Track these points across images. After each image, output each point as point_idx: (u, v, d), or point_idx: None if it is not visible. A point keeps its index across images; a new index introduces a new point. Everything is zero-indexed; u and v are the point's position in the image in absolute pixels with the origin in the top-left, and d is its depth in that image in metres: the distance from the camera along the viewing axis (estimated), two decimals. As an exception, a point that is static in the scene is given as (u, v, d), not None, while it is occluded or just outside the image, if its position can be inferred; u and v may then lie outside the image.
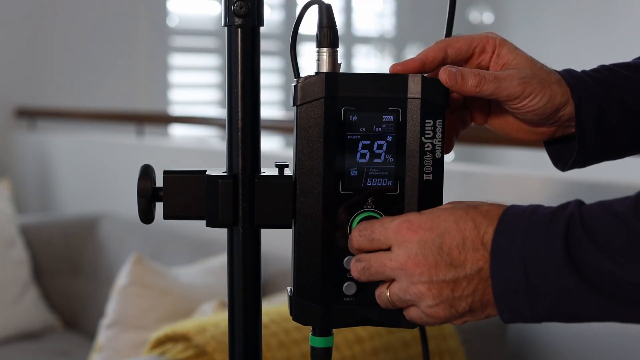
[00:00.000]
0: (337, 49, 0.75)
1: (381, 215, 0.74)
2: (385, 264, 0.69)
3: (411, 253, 0.67)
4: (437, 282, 0.67)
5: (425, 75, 0.75)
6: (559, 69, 0.81)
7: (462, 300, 0.67)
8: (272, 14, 4.96)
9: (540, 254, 0.63)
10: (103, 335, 2.17)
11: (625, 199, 0.63)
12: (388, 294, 0.70)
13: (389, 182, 0.74)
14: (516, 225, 0.65)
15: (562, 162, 0.85)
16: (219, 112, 4.29)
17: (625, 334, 1.79)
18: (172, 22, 4.60)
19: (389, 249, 0.69)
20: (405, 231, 0.68)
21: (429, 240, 0.67)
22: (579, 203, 0.65)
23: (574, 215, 0.63)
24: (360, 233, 0.71)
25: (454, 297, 0.67)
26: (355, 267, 0.71)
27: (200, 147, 3.29)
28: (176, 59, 4.65)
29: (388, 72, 0.75)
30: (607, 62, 0.84)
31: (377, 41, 5.57)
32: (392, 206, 0.74)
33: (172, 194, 0.75)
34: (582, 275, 0.62)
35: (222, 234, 0.78)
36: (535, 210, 0.66)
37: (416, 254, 0.67)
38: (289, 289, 0.77)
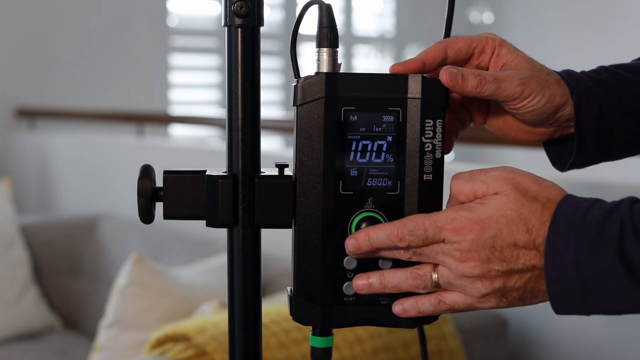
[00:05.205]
0: (337, 49, 0.75)
1: (381, 216, 0.74)
2: (437, 251, 0.70)
3: (464, 249, 0.68)
4: (490, 274, 0.68)
5: (425, 75, 0.75)
6: (559, 69, 0.81)
7: (514, 291, 0.69)
8: (272, 14, 4.96)
9: (594, 257, 0.64)
10: (103, 335, 2.17)
11: None
12: (436, 275, 0.71)
13: (389, 182, 0.74)
14: (569, 225, 0.66)
15: (561, 162, 0.85)
16: (219, 112, 4.29)
17: (626, 334, 1.79)
18: (172, 22, 4.60)
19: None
20: (459, 230, 0.68)
21: (481, 239, 0.68)
22: (632, 201, 0.66)
23: (626, 216, 0.64)
24: (410, 232, 0.70)
25: (506, 288, 0.68)
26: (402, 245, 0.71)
27: (200, 147, 3.29)
28: (176, 59, 4.65)
29: (388, 72, 0.75)
30: (606, 63, 0.84)
31: (377, 41, 5.58)
32: (392, 206, 0.74)
33: (172, 194, 0.75)
34: (634, 277, 0.63)
35: (222, 234, 0.78)
36: (589, 210, 0.66)
37: (469, 250, 0.68)
38: (289, 289, 0.77)
